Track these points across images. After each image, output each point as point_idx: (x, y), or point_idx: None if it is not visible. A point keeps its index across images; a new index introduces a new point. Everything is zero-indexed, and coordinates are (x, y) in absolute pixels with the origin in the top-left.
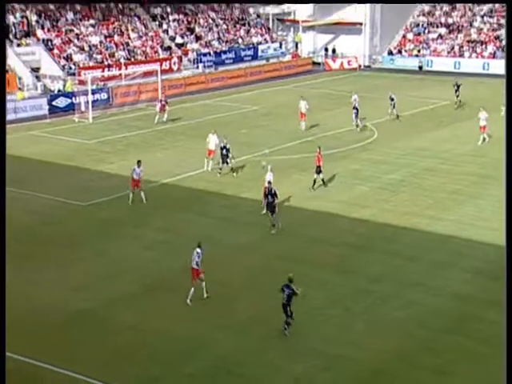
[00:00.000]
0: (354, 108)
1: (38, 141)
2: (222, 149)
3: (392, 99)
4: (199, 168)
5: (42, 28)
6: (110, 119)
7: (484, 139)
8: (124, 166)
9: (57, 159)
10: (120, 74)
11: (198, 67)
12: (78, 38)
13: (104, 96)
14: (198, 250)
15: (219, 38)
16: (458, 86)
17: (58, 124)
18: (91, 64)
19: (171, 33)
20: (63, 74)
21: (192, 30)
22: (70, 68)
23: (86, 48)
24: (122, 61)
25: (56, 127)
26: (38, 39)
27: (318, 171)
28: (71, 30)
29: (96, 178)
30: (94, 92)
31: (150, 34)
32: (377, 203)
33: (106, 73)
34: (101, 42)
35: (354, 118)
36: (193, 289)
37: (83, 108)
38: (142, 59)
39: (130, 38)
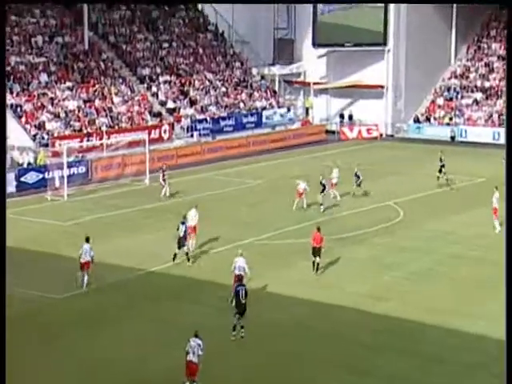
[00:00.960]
0: (321, 184)
1: None
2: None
3: (358, 176)
4: (193, 253)
5: (11, 92)
6: (88, 197)
7: (499, 225)
8: (104, 251)
9: (27, 245)
10: (101, 145)
11: (192, 136)
12: (52, 104)
13: (82, 170)
14: (199, 341)
15: (217, 103)
16: (442, 162)
17: (28, 203)
18: (67, 133)
19: (161, 96)
20: (34, 144)
21: (186, 94)
22: (43, 138)
23: (62, 114)
24: (104, 129)
25: (25, 207)
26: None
27: (316, 254)
28: (44, 94)
29: (72, 265)
30: (70, 165)
31: (136, 97)
32: (399, 295)
33: (85, 143)
34: (79, 107)
35: (320, 194)
36: None
37: (57, 184)
38: (127, 127)
39: (113, 102)
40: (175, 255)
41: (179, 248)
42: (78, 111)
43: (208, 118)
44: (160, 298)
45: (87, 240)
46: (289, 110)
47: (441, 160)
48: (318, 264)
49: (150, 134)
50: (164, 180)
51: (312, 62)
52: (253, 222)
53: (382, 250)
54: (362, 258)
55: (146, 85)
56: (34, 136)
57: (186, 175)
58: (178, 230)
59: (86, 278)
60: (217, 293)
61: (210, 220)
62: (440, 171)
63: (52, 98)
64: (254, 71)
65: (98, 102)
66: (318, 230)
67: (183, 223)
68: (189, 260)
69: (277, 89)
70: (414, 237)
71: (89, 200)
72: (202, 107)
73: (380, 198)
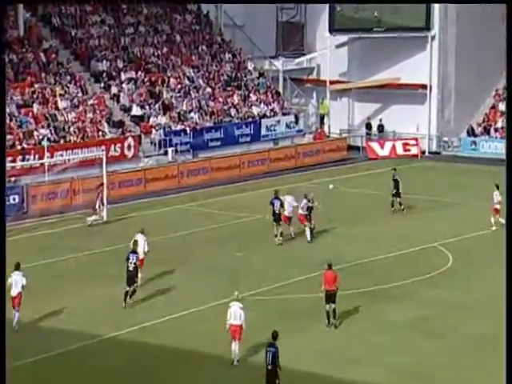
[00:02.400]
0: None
1: None
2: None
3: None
4: (167, 314)
5: None
6: (23, 236)
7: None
8: (46, 311)
9: None
10: (41, 165)
11: (165, 153)
12: None
13: (14, 199)
14: None
15: (200, 109)
16: (397, 182)
17: None
18: None
19: (124, 100)
20: None
21: (157, 96)
22: None
23: None
24: (46, 144)
25: None
26: None
27: (330, 299)
28: None
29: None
30: None
31: (90, 101)
32: (455, 372)
33: (19, 163)
34: (11, 114)
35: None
36: None
37: None
38: (76, 141)
39: (57, 108)
40: (126, 294)
41: (130, 285)
42: (10, 120)
43: (187, 130)
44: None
45: (17, 267)
46: (297, 118)
47: (395, 181)
48: (334, 311)
49: (108, 150)
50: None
51: (328, 54)
52: (248, 270)
53: (427, 309)
54: (399, 319)
55: (102, 84)
56: None
57: (157, 207)
58: (127, 260)
59: (17, 314)
60: (206, 369)
61: (188, 268)
62: (396, 194)
63: None
64: (250, 66)
65: (37, 108)
66: (330, 267)
67: (134, 252)
68: (125, 300)
69: (281, 90)
70: (468, 291)
71: (24, 241)
72: (179, 114)
73: (422, 239)
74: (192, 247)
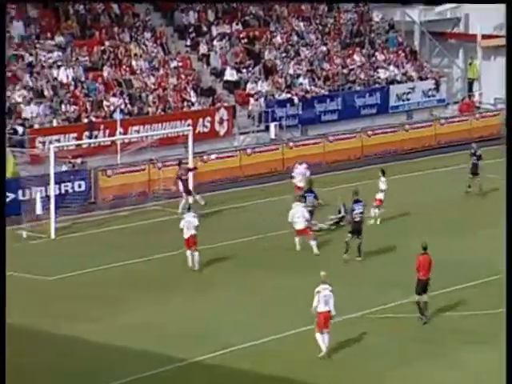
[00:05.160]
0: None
1: None
2: None
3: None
4: (263, 335)
5: None
6: (90, 233)
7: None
8: (116, 324)
9: None
10: (113, 144)
11: (267, 129)
12: (31, 72)
13: (80, 186)
14: None
15: (312, 72)
16: (479, 157)
17: None
18: (55, 124)
19: (215, 62)
20: None
21: (257, 57)
22: (14, 132)
23: (48, 92)
24: (118, 117)
25: None
26: None
27: (423, 290)
28: (18, 57)
29: (70, 348)
30: (60, 179)
31: (173, 63)
32: None
33: (86, 141)
34: (76, 79)
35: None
36: None
37: (39, 211)
38: (156, 114)
39: (133, 71)
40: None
41: (358, 237)
42: (75, 87)
43: (295, 99)
44: None
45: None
46: (438, 84)
47: (475, 155)
48: (425, 304)
49: (195, 125)
50: (186, 188)
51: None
52: (370, 278)
53: None
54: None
55: (189, 41)
56: None
57: (259, 197)
58: (353, 211)
59: None
60: None
61: (294, 274)
62: (474, 173)
63: (31, 64)
64: (377, 17)
65: (107, 71)
66: (425, 250)
67: (358, 202)
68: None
69: (417, 47)
70: None
71: (91, 238)
72: (285, 80)
73: None
74: (303, 249)
